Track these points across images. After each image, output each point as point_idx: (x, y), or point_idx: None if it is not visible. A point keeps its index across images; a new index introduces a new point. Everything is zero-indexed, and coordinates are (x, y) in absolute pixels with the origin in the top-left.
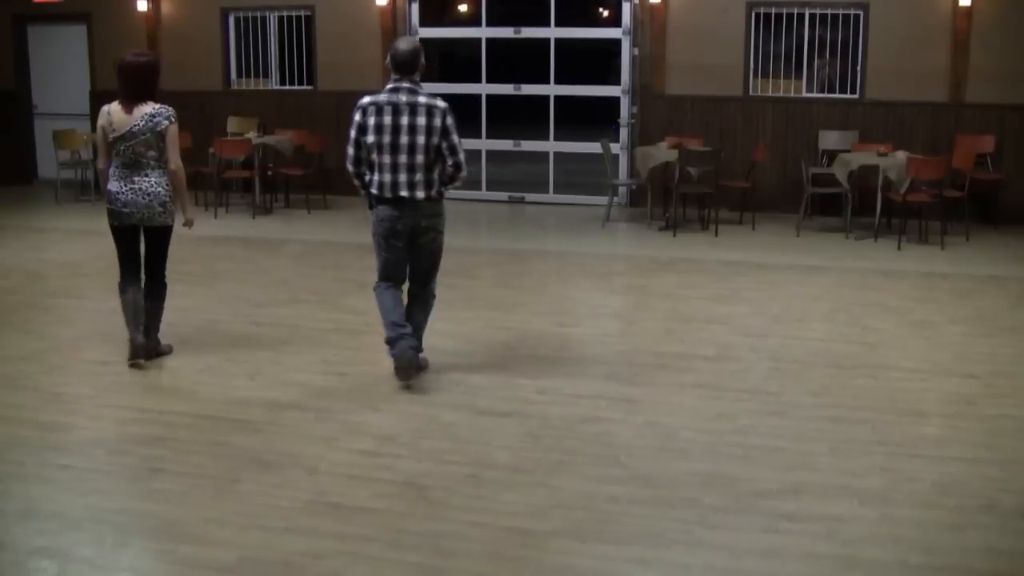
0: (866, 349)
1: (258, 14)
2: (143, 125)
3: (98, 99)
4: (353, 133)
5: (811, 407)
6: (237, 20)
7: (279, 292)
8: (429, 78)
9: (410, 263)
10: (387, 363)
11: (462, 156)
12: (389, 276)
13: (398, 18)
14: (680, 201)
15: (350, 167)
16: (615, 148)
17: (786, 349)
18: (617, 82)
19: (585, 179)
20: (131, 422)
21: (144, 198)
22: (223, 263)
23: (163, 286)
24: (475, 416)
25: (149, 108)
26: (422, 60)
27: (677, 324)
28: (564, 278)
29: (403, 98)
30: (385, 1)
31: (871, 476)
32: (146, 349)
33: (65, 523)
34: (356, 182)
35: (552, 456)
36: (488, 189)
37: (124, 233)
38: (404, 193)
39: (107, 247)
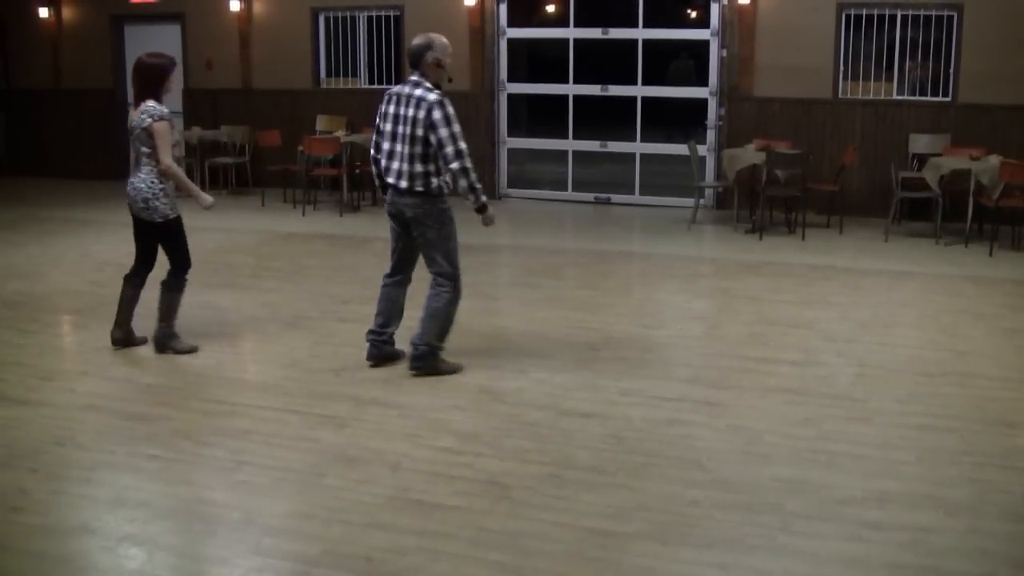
0: (955, 357)
1: (347, 14)
2: (135, 123)
3: (191, 97)
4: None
5: (897, 414)
6: (327, 20)
7: (364, 289)
8: (517, 78)
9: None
10: (471, 361)
11: (450, 149)
12: (392, 265)
13: (486, 19)
14: (767, 204)
15: (371, 152)
16: (702, 150)
17: (873, 355)
18: (705, 84)
19: (671, 181)
20: (218, 415)
21: (133, 192)
22: (310, 260)
23: (173, 278)
24: (558, 416)
25: (143, 107)
26: (430, 56)
27: (762, 328)
28: (649, 280)
29: (406, 89)
30: (473, 1)
31: (959, 486)
32: (118, 340)
33: (153, 512)
34: (372, 168)
35: (634, 458)
36: (574, 190)
37: (133, 224)
38: (391, 180)
39: (197, 242)
